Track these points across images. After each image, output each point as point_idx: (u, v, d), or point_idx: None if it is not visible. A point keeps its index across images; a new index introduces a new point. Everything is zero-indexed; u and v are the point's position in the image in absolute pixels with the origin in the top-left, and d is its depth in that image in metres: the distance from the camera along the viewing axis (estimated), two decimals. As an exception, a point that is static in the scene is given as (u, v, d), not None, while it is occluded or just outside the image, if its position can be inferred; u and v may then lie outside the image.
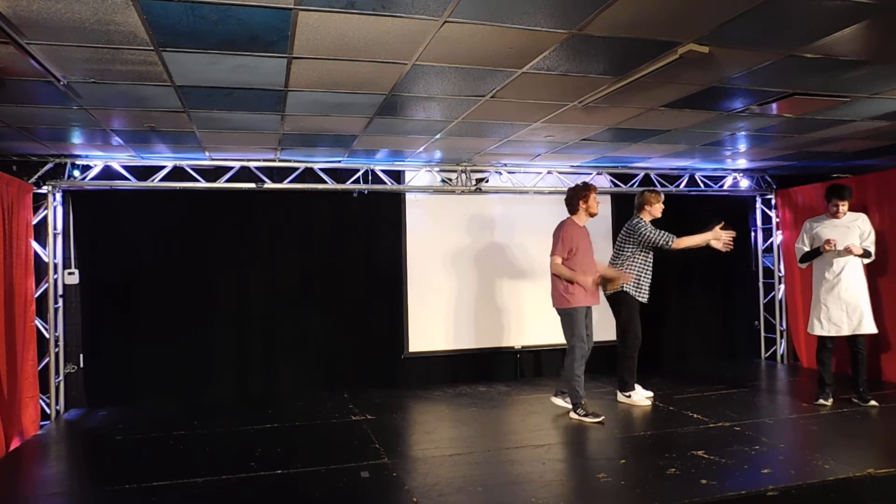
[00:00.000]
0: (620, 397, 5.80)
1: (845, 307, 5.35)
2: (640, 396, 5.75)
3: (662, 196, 5.78)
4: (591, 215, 5.40)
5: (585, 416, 5.14)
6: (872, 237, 5.43)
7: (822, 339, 5.52)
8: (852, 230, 5.40)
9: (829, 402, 5.44)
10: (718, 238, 5.57)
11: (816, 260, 5.53)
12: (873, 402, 5.34)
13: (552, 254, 5.28)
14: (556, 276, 5.25)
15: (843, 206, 5.40)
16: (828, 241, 5.35)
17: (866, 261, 5.44)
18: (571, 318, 5.19)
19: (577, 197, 5.33)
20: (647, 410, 5.56)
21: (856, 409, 5.31)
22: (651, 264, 5.67)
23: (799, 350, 7.56)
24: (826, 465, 3.94)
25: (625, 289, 5.58)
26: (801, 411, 5.38)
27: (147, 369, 6.20)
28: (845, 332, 5.37)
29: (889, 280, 6.28)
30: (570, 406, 5.36)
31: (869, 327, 5.35)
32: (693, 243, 5.55)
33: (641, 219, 5.67)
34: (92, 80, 3.68)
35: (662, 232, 5.51)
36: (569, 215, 5.39)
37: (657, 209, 5.72)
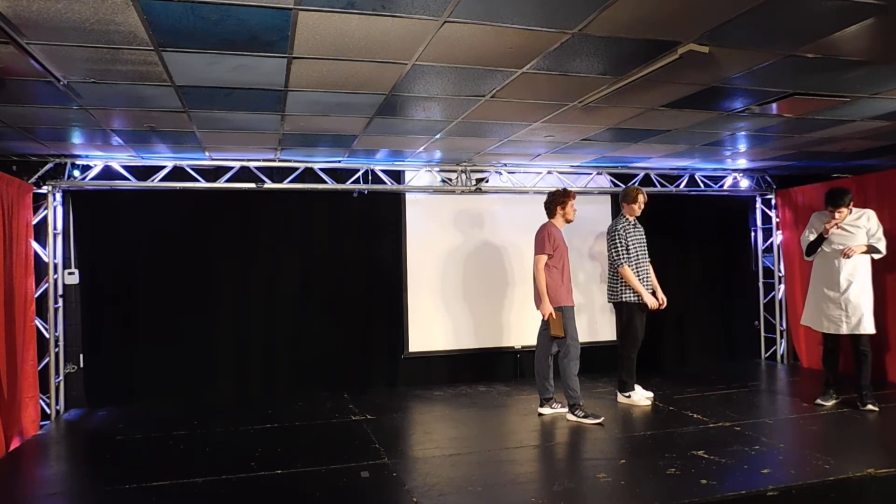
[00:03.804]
0: (620, 398, 5.81)
1: (846, 306, 5.32)
2: (640, 396, 5.76)
3: (644, 193, 5.81)
4: (568, 221, 5.48)
5: (584, 417, 5.14)
6: (881, 233, 5.33)
7: (824, 337, 5.52)
8: (858, 231, 5.33)
9: (830, 402, 5.44)
10: (653, 304, 5.64)
11: (823, 257, 5.48)
12: (871, 406, 5.25)
13: (538, 253, 5.32)
14: (536, 280, 5.30)
15: (840, 214, 5.31)
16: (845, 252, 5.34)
17: (877, 256, 5.37)
18: (562, 316, 5.21)
19: (555, 203, 5.43)
20: (647, 410, 5.56)
21: (855, 409, 5.30)
22: (642, 266, 5.70)
23: (799, 350, 7.56)
24: (826, 465, 3.94)
25: (624, 298, 5.65)
26: (801, 411, 5.38)
27: (147, 369, 6.20)
28: (844, 331, 5.35)
29: (892, 280, 6.27)
30: (560, 410, 5.39)
31: (868, 328, 5.30)
32: (630, 282, 5.60)
33: (622, 216, 5.75)
34: (92, 80, 3.68)
35: (622, 253, 5.61)
36: (547, 219, 5.48)
37: (636, 208, 5.76)
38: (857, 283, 5.32)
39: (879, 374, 6.28)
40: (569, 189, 5.62)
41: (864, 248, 5.30)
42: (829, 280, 5.43)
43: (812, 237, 5.53)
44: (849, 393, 5.51)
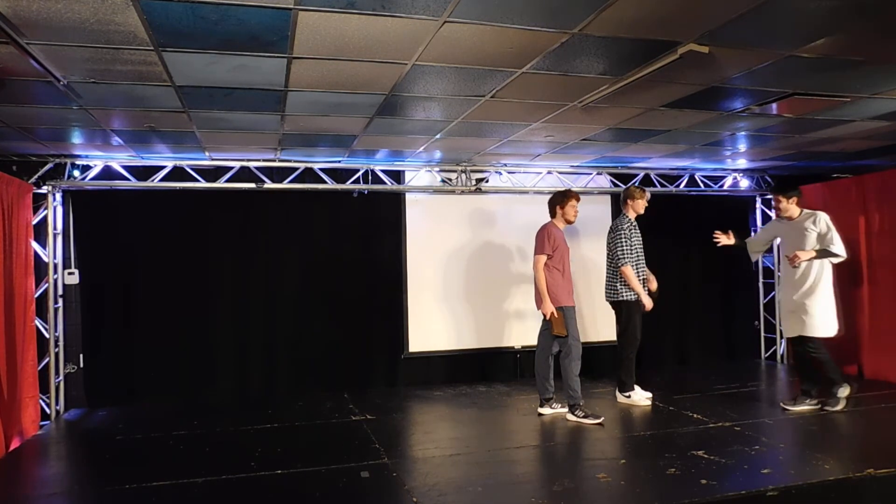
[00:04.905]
0: (620, 398, 5.81)
1: (791, 309, 5.30)
2: (640, 396, 5.76)
3: (648, 193, 5.82)
4: (568, 222, 5.49)
5: (584, 417, 5.14)
6: (832, 236, 5.14)
7: (788, 342, 5.53)
8: (808, 232, 5.21)
9: (799, 408, 5.30)
10: (650, 306, 5.65)
11: (784, 261, 5.42)
12: (831, 408, 5.18)
13: (537, 253, 5.33)
14: (537, 280, 5.31)
15: (782, 203, 5.34)
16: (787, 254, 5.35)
17: (835, 260, 5.19)
18: (563, 316, 5.22)
19: (555, 203, 5.46)
20: (646, 410, 5.56)
21: (855, 409, 5.29)
22: (641, 267, 5.71)
23: (799, 350, 7.55)
24: (826, 465, 3.94)
25: (623, 297, 5.66)
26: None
27: (147, 369, 6.20)
28: (788, 333, 5.39)
29: (890, 280, 6.27)
30: (560, 410, 5.38)
31: (810, 331, 5.15)
32: (631, 282, 5.60)
33: (625, 216, 5.75)
34: (92, 80, 3.68)
35: (625, 252, 5.61)
36: (550, 219, 5.49)
37: (640, 205, 5.77)
38: (806, 285, 5.21)
39: (880, 375, 6.27)
40: (570, 190, 5.62)
41: (813, 254, 5.16)
42: (786, 284, 5.42)
43: (748, 239, 5.55)
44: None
